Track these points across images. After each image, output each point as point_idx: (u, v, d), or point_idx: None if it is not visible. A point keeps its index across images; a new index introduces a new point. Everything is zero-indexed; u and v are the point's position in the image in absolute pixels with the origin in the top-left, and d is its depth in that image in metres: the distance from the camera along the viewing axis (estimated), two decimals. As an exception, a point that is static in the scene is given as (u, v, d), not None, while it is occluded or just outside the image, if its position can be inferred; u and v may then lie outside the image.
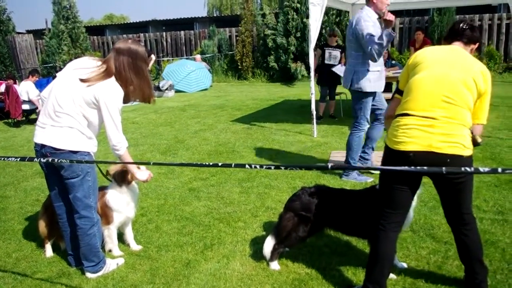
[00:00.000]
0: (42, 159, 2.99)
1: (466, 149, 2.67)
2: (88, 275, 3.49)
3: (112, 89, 3.21)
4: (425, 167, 2.36)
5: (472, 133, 2.74)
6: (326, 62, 9.27)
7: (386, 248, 2.91)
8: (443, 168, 1.72)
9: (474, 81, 2.71)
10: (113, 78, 3.23)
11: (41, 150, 3.24)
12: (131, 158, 3.49)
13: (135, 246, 3.96)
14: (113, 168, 3.77)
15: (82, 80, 3.17)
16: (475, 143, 2.76)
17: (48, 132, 3.22)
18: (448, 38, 3.04)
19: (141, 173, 3.57)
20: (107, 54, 3.40)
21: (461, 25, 2.98)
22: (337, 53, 9.35)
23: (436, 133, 2.67)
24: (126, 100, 3.33)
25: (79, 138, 3.23)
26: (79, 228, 3.41)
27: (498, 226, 3.96)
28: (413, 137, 2.71)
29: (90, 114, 3.24)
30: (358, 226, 3.36)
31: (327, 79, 9.31)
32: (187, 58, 18.47)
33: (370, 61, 5.07)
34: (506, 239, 3.72)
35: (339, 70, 9.74)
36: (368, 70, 5.09)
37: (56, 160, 2.92)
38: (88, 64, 3.28)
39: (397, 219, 2.93)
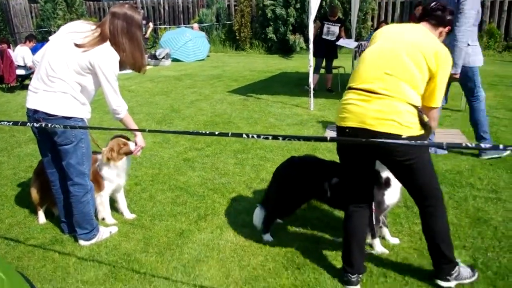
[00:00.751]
0: (35, 124, 2.95)
1: (404, 128, 2.53)
2: (81, 242, 3.49)
3: (107, 54, 3.15)
4: (443, 142, 2.28)
5: (420, 112, 2.60)
6: (323, 36, 9.16)
7: (351, 226, 2.90)
8: (444, 142, 1.68)
9: (425, 58, 2.58)
10: (108, 43, 3.17)
11: (34, 115, 3.19)
12: (133, 122, 3.47)
13: (128, 215, 3.95)
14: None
15: (77, 45, 3.10)
16: (422, 123, 2.61)
17: (40, 97, 3.16)
18: (419, 17, 2.92)
19: (140, 138, 3.63)
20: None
21: (432, 4, 2.85)
22: (335, 28, 9.23)
23: (371, 109, 2.57)
24: (119, 66, 3.26)
25: (73, 104, 3.18)
26: (73, 195, 3.39)
27: (492, 205, 3.97)
28: (350, 112, 2.66)
29: (84, 79, 3.18)
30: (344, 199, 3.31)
31: (323, 52, 9.21)
32: (185, 27, 18.18)
33: (469, 36, 4.91)
34: (498, 217, 3.74)
35: (345, 43, 9.58)
36: (469, 45, 4.96)
37: (49, 125, 2.86)
38: (82, 28, 3.20)
39: (360, 197, 2.89)
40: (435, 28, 2.83)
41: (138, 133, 3.62)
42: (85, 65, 3.12)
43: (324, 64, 9.51)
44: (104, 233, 3.60)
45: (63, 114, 3.15)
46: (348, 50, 14.88)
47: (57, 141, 3.25)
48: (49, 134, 3.26)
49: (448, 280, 2.80)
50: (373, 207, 3.10)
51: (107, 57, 3.15)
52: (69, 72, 3.13)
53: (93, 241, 3.51)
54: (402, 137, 2.51)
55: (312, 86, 7.83)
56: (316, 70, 9.32)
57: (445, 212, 2.78)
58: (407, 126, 2.54)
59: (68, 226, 3.64)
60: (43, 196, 3.82)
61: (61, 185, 3.51)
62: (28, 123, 2.89)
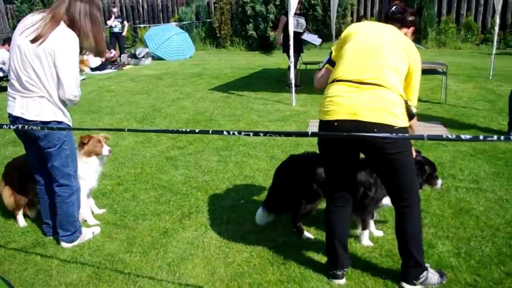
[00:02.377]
0: (11, 127, 2.88)
1: (397, 118, 2.50)
2: (64, 244, 3.44)
3: (64, 36, 3.01)
4: (465, 136, 2.28)
5: (406, 103, 2.60)
6: (294, 29, 9.11)
7: (333, 223, 2.88)
8: (425, 134, 1.67)
9: (407, 53, 2.61)
10: (62, 25, 3.02)
11: (15, 121, 3.12)
12: None
13: (97, 210, 3.97)
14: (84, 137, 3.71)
15: (33, 41, 2.97)
16: (410, 114, 2.61)
17: (18, 104, 3.10)
18: (384, 19, 2.91)
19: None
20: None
21: (392, 9, 2.87)
22: (303, 20, 9.21)
23: (363, 99, 2.51)
24: (79, 50, 3.12)
25: (50, 108, 3.11)
26: (58, 196, 3.34)
27: (473, 195, 4.02)
28: (338, 104, 2.58)
29: (54, 73, 3.05)
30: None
31: (297, 46, 9.17)
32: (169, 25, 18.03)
33: None
34: (480, 207, 3.78)
35: (311, 38, 9.59)
36: None
37: (26, 127, 2.78)
38: (33, 20, 3.05)
39: (340, 194, 2.86)
40: (400, 29, 2.82)
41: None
42: (49, 56, 2.99)
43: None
44: (86, 234, 3.54)
45: (41, 119, 3.09)
46: (327, 45, 14.96)
47: (40, 144, 3.19)
48: (32, 138, 3.20)
49: (414, 284, 2.75)
50: (370, 201, 3.12)
51: (64, 39, 3.00)
52: (38, 72, 3.02)
53: (75, 243, 3.45)
54: (395, 128, 2.48)
55: (293, 82, 7.81)
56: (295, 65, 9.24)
57: (419, 215, 2.74)
58: (399, 117, 2.52)
59: (50, 228, 3.58)
60: (17, 200, 3.75)
61: (47, 186, 3.46)
62: (11, 126, 2.80)
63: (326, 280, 2.91)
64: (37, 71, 3.02)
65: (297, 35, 9.05)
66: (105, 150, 3.69)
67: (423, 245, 2.80)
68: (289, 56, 8.88)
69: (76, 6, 3.05)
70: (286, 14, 9.24)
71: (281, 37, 9.37)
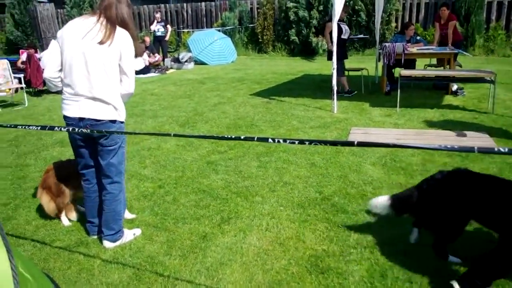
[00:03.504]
0: (69, 129, 3.00)
1: None
2: (106, 244, 3.52)
3: (126, 37, 3.23)
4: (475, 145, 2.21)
5: None
6: (342, 37, 9.02)
7: None
8: (496, 148, 1.61)
9: None
10: (119, 27, 3.21)
11: (79, 123, 3.24)
12: None
13: (129, 215, 4.04)
14: None
15: (101, 43, 3.12)
16: None
17: (84, 105, 3.22)
18: None
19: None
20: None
21: None
22: (347, 28, 9.12)
23: None
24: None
25: (113, 107, 3.27)
26: (108, 193, 3.45)
27: None
28: None
29: (117, 72, 3.26)
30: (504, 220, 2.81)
31: (343, 53, 9.09)
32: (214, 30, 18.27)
33: None
34: None
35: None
36: None
37: (77, 130, 2.94)
38: (88, 25, 3.17)
39: None
40: None
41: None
42: (115, 57, 3.18)
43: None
44: (128, 235, 3.62)
45: (110, 118, 3.26)
46: (370, 51, 14.78)
47: (103, 143, 3.31)
48: (95, 138, 3.33)
49: None
50: None
51: (127, 40, 3.22)
52: (107, 73, 3.18)
53: (117, 243, 3.53)
54: None
55: (335, 88, 7.73)
56: (343, 72, 9.13)
57: None
58: None
59: (94, 227, 3.68)
60: (57, 204, 3.89)
61: (94, 185, 3.58)
62: (61, 128, 2.90)
63: (366, 292, 2.86)
64: (107, 72, 3.18)
65: (343, 41, 8.98)
66: None
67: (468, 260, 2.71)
68: (337, 62, 8.75)
69: (122, 9, 3.23)
70: (330, 20, 9.17)
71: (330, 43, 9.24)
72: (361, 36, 9.25)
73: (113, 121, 3.28)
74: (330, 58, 8.82)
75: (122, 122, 3.39)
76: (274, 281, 3.01)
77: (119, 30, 3.19)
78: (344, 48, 9.08)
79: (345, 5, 9.27)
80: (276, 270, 3.14)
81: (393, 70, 9.24)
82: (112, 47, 3.14)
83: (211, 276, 3.10)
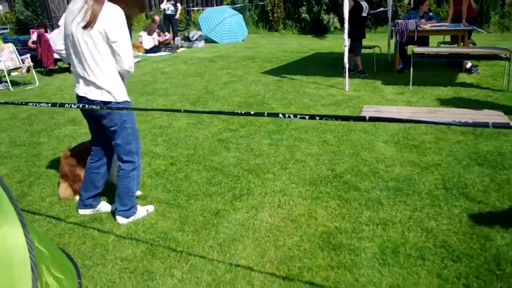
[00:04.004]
0: (73, 105, 3.00)
1: None
2: (120, 220, 3.56)
3: (111, 13, 3.09)
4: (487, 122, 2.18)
5: None
6: (363, 15, 8.84)
7: None
8: (490, 122, 1.59)
9: None
10: (106, 3, 3.10)
11: (81, 101, 3.31)
12: None
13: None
14: None
15: (85, 27, 3.08)
16: None
17: (81, 85, 3.29)
18: None
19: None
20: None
21: None
22: (366, 4, 8.92)
23: None
24: (127, 20, 3.20)
25: (108, 89, 3.25)
26: (121, 169, 3.49)
27: None
28: None
29: (109, 52, 3.21)
30: None
31: (363, 32, 8.94)
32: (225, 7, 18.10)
33: None
34: None
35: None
36: None
37: (87, 106, 2.95)
38: (78, 6, 3.13)
39: None
40: None
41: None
42: (100, 37, 3.10)
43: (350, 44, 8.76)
44: (141, 212, 3.65)
45: (102, 99, 3.26)
46: (383, 29, 14.57)
47: (103, 123, 3.35)
48: (95, 117, 3.37)
49: None
50: None
51: (112, 16, 3.09)
52: (94, 58, 3.16)
53: (131, 219, 3.57)
54: None
55: (347, 66, 7.65)
56: (360, 51, 8.96)
57: None
58: None
59: (80, 201, 3.74)
60: (75, 189, 4.01)
61: (96, 162, 3.64)
62: (72, 105, 2.94)
63: (377, 268, 2.86)
64: (93, 55, 3.15)
65: (363, 19, 8.80)
66: None
67: (481, 238, 2.69)
68: (353, 41, 8.57)
69: None
70: None
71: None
72: (381, 9, 9.02)
73: (107, 102, 3.25)
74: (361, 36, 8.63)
75: (118, 103, 3.30)
76: (286, 257, 3.03)
77: (106, 7, 3.08)
78: (364, 26, 8.90)
79: None
80: (288, 246, 3.15)
81: (405, 48, 9.11)
82: (94, 30, 3.07)
83: (224, 252, 3.12)
